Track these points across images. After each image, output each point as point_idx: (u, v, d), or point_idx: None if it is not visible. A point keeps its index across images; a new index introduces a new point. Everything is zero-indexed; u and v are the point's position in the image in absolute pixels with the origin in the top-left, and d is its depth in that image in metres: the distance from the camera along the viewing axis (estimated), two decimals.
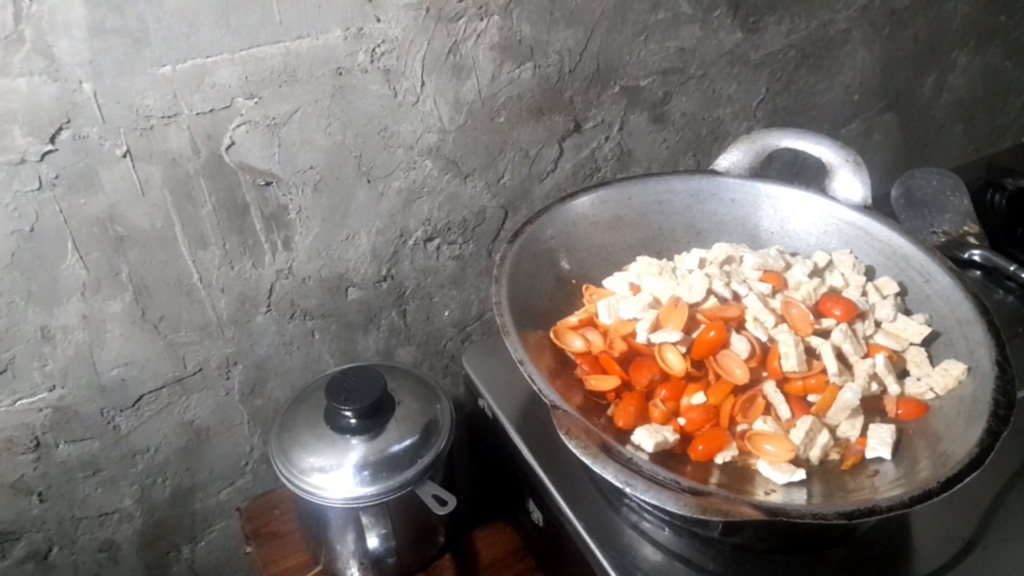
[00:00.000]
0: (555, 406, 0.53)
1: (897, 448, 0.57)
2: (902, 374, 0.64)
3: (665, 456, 0.57)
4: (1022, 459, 0.69)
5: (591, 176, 0.96)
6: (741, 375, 0.60)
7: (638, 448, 0.57)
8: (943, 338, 0.64)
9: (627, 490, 0.48)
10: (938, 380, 0.61)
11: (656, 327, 0.63)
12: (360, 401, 0.70)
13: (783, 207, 0.75)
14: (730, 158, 0.77)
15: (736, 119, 1.04)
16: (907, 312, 0.68)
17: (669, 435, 0.57)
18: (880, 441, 0.57)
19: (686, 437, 0.59)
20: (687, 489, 0.49)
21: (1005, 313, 0.85)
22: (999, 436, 0.52)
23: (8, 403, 0.74)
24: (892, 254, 0.70)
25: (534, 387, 0.55)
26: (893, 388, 0.61)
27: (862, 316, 0.65)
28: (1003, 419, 0.53)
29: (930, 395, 0.61)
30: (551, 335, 0.65)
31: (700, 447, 0.58)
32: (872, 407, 0.61)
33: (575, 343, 0.64)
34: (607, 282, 0.72)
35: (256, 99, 0.69)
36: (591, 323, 0.66)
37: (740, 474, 0.57)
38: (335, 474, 0.70)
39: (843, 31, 1.06)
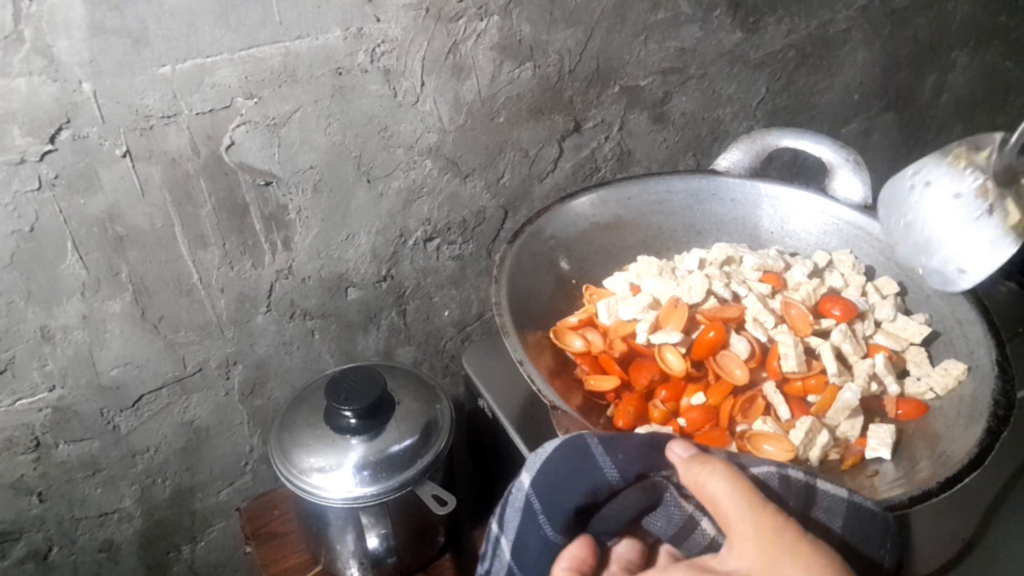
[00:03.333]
0: (554, 406, 0.53)
1: (897, 448, 0.57)
2: (902, 374, 0.64)
3: None
4: (1022, 459, 0.69)
5: (591, 176, 0.96)
6: (741, 375, 0.60)
7: None
8: (943, 338, 0.64)
9: None
10: (938, 380, 0.61)
11: (656, 328, 0.63)
12: (360, 401, 0.70)
13: (783, 207, 0.75)
14: (730, 158, 0.77)
15: (736, 119, 1.04)
16: (907, 312, 0.67)
17: None
18: (880, 441, 0.57)
19: (686, 437, 0.59)
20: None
21: (1005, 313, 0.85)
22: (999, 436, 0.52)
23: (8, 403, 0.74)
24: (892, 253, 0.70)
25: (533, 387, 0.54)
26: (893, 388, 0.61)
27: (861, 316, 0.65)
28: (1003, 419, 0.53)
29: (930, 395, 0.61)
30: (551, 335, 0.65)
31: None
32: (872, 407, 0.61)
33: (575, 343, 0.64)
34: (607, 282, 0.72)
35: (256, 99, 0.69)
36: (591, 323, 0.66)
37: None
38: (335, 474, 0.70)
39: (843, 31, 1.06)
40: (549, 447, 0.40)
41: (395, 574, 0.77)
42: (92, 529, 0.87)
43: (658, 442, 0.38)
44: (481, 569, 0.42)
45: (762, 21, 0.97)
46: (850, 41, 1.08)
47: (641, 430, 0.57)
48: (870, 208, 0.72)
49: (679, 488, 0.37)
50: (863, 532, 0.36)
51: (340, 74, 0.72)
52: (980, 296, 0.63)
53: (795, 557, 0.32)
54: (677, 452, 0.38)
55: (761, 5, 0.96)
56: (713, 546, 0.36)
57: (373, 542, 0.71)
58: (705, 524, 0.36)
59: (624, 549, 0.40)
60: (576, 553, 0.38)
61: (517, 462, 0.71)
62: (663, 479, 0.37)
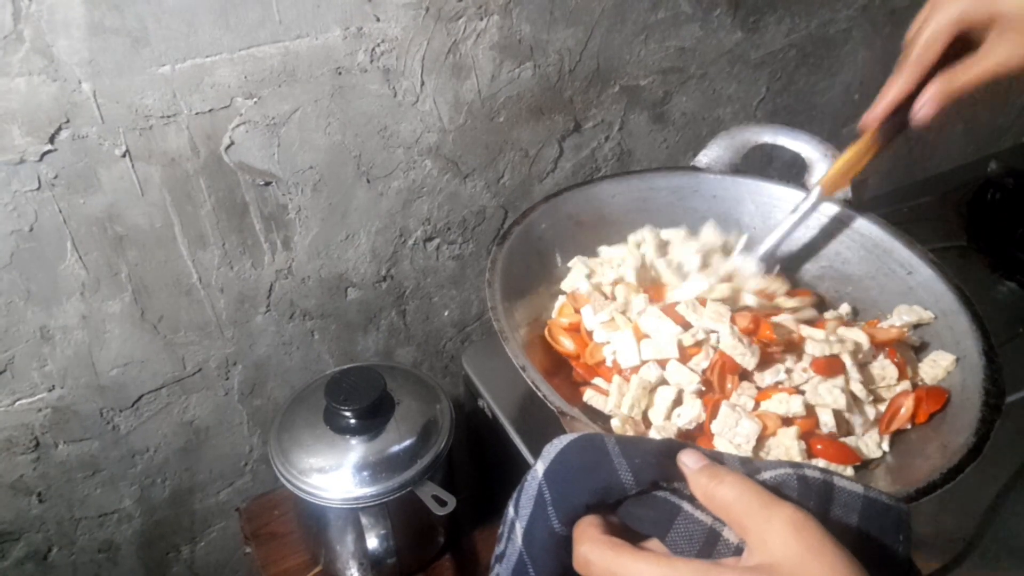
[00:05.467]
0: (563, 412, 0.52)
1: (893, 441, 0.58)
2: None
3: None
4: (1022, 459, 0.69)
5: (591, 176, 0.96)
6: None
7: None
8: (929, 329, 0.64)
9: None
10: (927, 371, 0.61)
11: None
12: (360, 401, 0.70)
13: (764, 202, 0.75)
14: (710, 154, 0.76)
15: (736, 119, 1.04)
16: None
17: (673, 434, 0.57)
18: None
19: (697, 447, 0.59)
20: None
21: (1005, 312, 0.84)
22: (993, 424, 0.52)
23: (7, 403, 0.74)
24: (874, 247, 0.70)
25: (539, 393, 0.54)
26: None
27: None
28: (995, 408, 0.53)
29: (920, 385, 0.61)
30: (546, 334, 0.65)
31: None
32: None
33: (567, 344, 0.64)
34: (564, 285, 0.70)
35: (255, 99, 0.69)
36: (578, 328, 0.66)
37: None
38: (335, 474, 0.69)
39: (843, 31, 1.06)
40: (566, 439, 0.40)
41: (395, 574, 0.77)
42: (91, 529, 0.87)
43: (672, 450, 0.38)
44: (498, 550, 0.42)
45: (762, 21, 0.97)
46: (851, 41, 1.08)
47: (653, 432, 0.57)
48: (850, 202, 0.71)
49: (692, 500, 0.37)
50: (879, 524, 0.36)
51: (340, 74, 0.72)
52: (962, 287, 0.63)
53: (821, 556, 0.31)
54: (687, 463, 0.37)
55: (761, 5, 0.96)
56: (739, 554, 0.36)
57: (373, 542, 0.71)
58: (727, 533, 0.35)
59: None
60: (598, 520, 0.38)
61: (517, 462, 0.71)
62: (675, 491, 0.37)
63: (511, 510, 0.41)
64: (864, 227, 0.71)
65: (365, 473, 0.69)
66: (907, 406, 0.58)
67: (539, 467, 0.40)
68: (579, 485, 0.38)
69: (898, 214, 0.98)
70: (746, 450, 0.55)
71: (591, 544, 0.36)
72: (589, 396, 0.60)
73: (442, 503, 0.69)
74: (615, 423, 0.57)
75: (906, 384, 0.61)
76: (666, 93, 0.95)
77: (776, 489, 0.36)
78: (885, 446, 0.57)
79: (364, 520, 0.70)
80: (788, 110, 1.09)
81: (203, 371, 0.82)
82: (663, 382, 0.59)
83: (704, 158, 0.76)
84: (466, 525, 0.83)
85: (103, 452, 0.81)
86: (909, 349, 0.63)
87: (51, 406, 0.76)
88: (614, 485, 0.37)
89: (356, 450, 0.70)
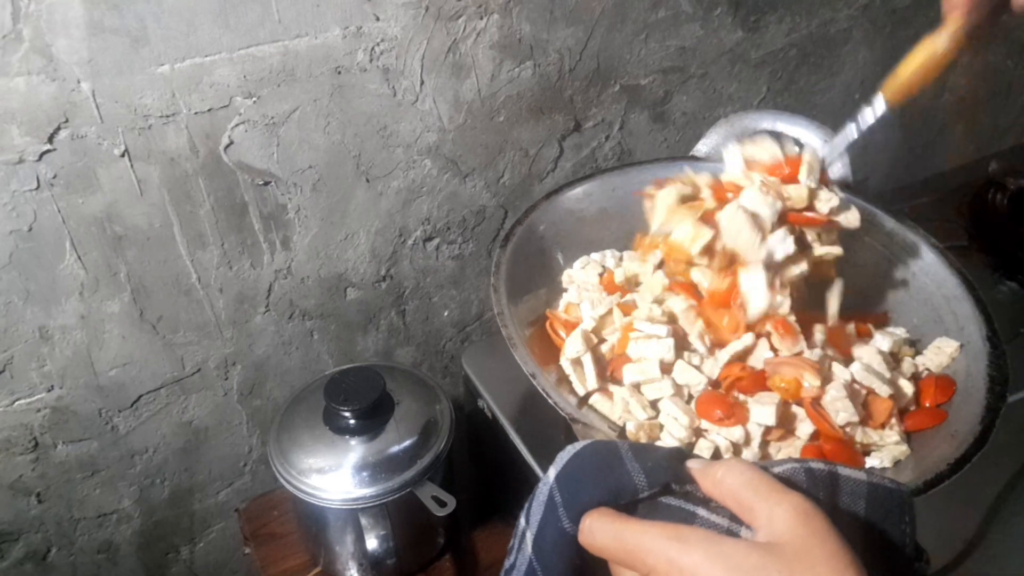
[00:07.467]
0: (574, 420, 0.52)
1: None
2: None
3: None
4: (1022, 460, 0.69)
5: None
6: None
7: None
8: (932, 315, 0.64)
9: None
10: (931, 358, 0.60)
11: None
12: (359, 402, 0.70)
13: None
14: (709, 143, 0.76)
15: None
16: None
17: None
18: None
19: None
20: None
21: (1005, 313, 0.84)
22: (998, 412, 0.52)
23: (6, 403, 0.73)
24: (876, 232, 0.70)
25: (549, 400, 0.53)
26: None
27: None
28: (999, 395, 0.53)
29: (925, 374, 0.61)
30: (548, 329, 0.65)
31: None
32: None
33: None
34: (568, 274, 0.70)
35: (255, 98, 0.69)
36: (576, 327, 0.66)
37: None
38: (334, 475, 0.69)
39: (844, 30, 1.06)
40: (578, 445, 0.40)
41: (394, 575, 0.77)
42: (91, 530, 0.86)
43: (683, 457, 0.38)
44: (507, 563, 0.42)
45: (763, 20, 0.97)
46: (851, 40, 1.08)
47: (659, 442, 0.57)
48: (850, 187, 0.71)
49: (706, 504, 0.37)
50: (885, 509, 0.37)
51: (339, 73, 0.72)
52: (965, 272, 0.62)
53: (825, 543, 0.32)
54: (694, 466, 0.37)
55: (762, 4, 0.96)
56: None
57: (372, 543, 0.71)
58: (745, 533, 0.35)
59: None
60: (606, 508, 0.38)
61: (517, 463, 0.71)
62: (688, 494, 0.37)
63: (522, 520, 0.41)
64: (865, 211, 0.70)
65: (365, 474, 0.69)
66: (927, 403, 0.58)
67: (551, 473, 0.40)
68: (590, 485, 0.38)
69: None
70: (753, 450, 0.55)
71: (594, 516, 0.36)
72: (595, 400, 0.60)
73: (442, 504, 0.69)
74: (630, 428, 0.57)
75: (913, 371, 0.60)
76: (666, 92, 0.95)
77: (786, 481, 0.36)
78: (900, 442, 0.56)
79: (364, 521, 0.70)
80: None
81: (202, 371, 0.82)
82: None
83: (703, 147, 0.76)
84: (466, 525, 0.83)
85: (102, 452, 0.81)
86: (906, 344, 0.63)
87: (50, 406, 0.76)
88: (626, 486, 0.37)
89: (356, 450, 0.70)
